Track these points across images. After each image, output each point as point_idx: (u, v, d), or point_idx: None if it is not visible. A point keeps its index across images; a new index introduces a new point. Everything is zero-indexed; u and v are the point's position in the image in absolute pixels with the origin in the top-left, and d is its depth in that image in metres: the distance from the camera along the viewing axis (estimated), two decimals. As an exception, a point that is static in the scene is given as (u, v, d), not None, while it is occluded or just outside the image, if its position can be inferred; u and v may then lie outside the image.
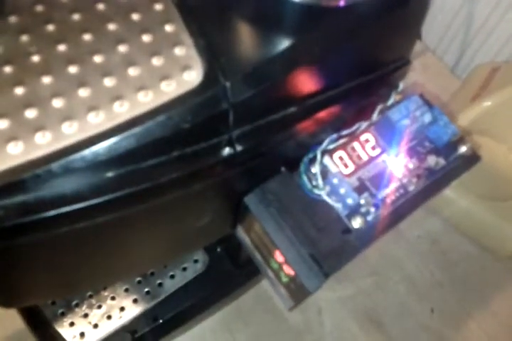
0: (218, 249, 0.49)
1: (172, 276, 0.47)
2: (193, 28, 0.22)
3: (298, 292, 0.28)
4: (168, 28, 0.22)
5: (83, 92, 0.20)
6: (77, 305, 0.46)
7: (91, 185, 0.20)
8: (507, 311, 0.52)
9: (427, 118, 0.28)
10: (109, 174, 0.20)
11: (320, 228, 0.27)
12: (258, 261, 0.31)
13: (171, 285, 0.47)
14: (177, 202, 0.24)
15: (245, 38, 0.22)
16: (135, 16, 0.22)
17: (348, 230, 0.28)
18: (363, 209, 0.28)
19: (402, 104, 0.28)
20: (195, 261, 0.48)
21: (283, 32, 0.22)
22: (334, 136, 0.28)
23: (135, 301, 0.46)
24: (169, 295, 0.47)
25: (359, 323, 0.50)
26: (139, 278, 0.47)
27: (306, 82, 0.24)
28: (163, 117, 0.20)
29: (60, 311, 0.45)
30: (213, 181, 0.24)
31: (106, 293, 0.46)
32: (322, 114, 0.26)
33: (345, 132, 0.29)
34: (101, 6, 0.22)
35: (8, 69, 0.21)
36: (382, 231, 0.28)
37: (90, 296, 0.46)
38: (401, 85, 0.30)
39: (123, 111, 0.20)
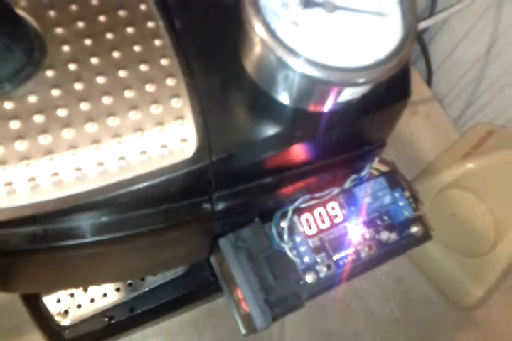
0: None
1: (154, 274, 0.52)
2: (196, 105, 0.26)
3: (250, 325, 0.33)
4: (175, 102, 0.26)
5: (95, 149, 0.25)
6: (65, 285, 0.51)
7: (88, 226, 0.25)
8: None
9: (387, 199, 0.32)
10: (104, 219, 0.25)
11: (278, 277, 0.32)
12: (224, 289, 0.35)
13: (152, 282, 0.52)
14: (158, 242, 0.29)
15: (237, 122, 0.26)
16: (149, 88, 0.26)
17: (301, 282, 0.32)
18: (317, 267, 0.32)
19: (368, 184, 0.32)
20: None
21: (270, 123, 0.26)
22: (307, 196, 0.32)
23: (117, 290, 0.51)
24: (149, 290, 0.52)
25: (315, 342, 0.55)
26: (124, 271, 0.51)
27: (283, 162, 0.28)
28: (156, 181, 0.25)
29: (50, 287, 0.50)
30: (192, 229, 0.29)
31: (93, 279, 0.51)
32: (295, 184, 0.30)
33: (317, 195, 0.33)
34: (123, 74, 0.26)
35: (37, 118, 0.25)
36: (330, 288, 0.32)
37: (79, 279, 0.51)
38: (376, 159, 0.33)
39: (124, 170, 0.25)
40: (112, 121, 0.25)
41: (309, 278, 0.32)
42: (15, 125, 0.25)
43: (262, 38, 0.22)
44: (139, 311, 0.51)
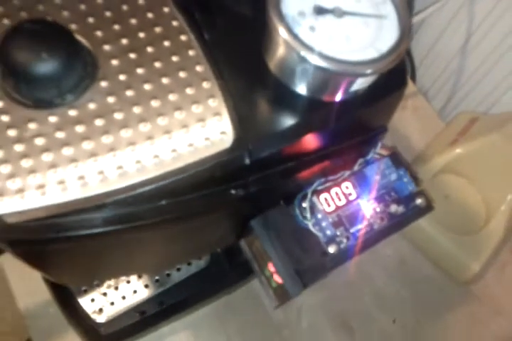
0: (219, 250, 0.58)
1: (178, 269, 0.57)
2: (229, 103, 0.30)
3: (283, 295, 0.37)
4: (212, 101, 0.31)
5: (150, 145, 0.29)
6: (98, 285, 0.55)
7: (147, 210, 0.29)
8: (458, 327, 0.61)
9: (393, 176, 0.37)
10: (162, 202, 0.30)
11: (304, 249, 0.36)
12: (255, 268, 0.40)
13: (177, 276, 0.56)
14: (200, 223, 0.33)
15: (265, 114, 0.31)
16: (189, 91, 0.31)
17: (325, 253, 0.37)
18: (338, 239, 0.37)
19: (376, 164, 0.37)
20: (199, 258, 0.57)
21: (293, 113, 0.31)
22: (322, 179, 0.37)
23: (146, 286, 0.55)
24: (175, 285, 0.56)
25: (330, 324, 0.59)
26: (151, 268, 0.56)
27: (305, 147, 0.33)
28: (202, 168, 0.29)
29: (83, 288, 0.54)
30: (230, 210, 0.33)
31: (123, 278, 0.55)
32: (315, 166, 0.35)
33: (331, 177, 0.38)
34: (165, 80, 0.31)
35: (98, 121, 0.30)
36: (351, 257, 0.37)
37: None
38: (379, 144, 0.39)
39: (176, 160, 0.29)
40: (162, 121, 0.30)
41: (332, 249, 0.36)
42: (80, 129, 0.29)
43: (286, 39, 0.27)
44: (167, 304, 0.55)
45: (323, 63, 0.28)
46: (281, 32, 0.27)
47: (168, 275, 0.56)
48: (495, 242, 0.60)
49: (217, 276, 0.57)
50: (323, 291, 0.61)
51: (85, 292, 0.54)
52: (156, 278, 0.56)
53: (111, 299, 0.54)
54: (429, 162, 0.62)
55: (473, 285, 0.62)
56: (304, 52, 0.27)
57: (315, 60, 0.28)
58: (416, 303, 0.61)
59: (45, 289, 0.55)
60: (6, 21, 0.30)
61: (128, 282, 0.55)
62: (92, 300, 0.54)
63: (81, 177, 0.28)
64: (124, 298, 0.55)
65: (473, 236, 0.60)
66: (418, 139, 0.68)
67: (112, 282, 0.55)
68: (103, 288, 0.55)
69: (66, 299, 0.55)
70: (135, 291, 0.55)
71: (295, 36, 0.27)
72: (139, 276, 0.55)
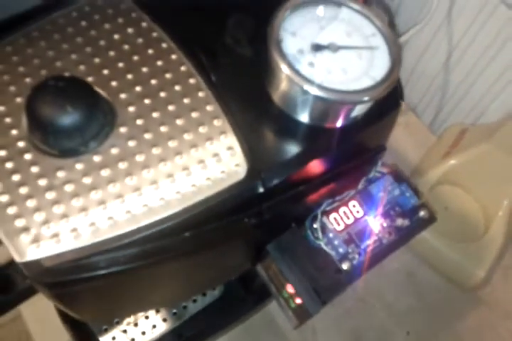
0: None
1: (195, 300, 0.58)
2: (240, 137, 0.33)
3: (302, 314, 0.39)
4: (223, 137, 0.33)
5: (170, 182, 0.32)
6: (117, 323, 0.56)
7: (172, 243, 0.32)
8: (469, 333, 0.62)
9: (396, 192, 0.39)
10: (186, 234, 0.32)
11: (319, 268, 0.38)
12: (272, 290, 0.41)
13: (193, 308, 0.58)
14: (219, 251, 0.35)
15: (274, 144, 0.33)
16: (202, 129, 0.33)
17: (339, 271, 0.39)
18: (350, 256, 0.39)
19: (380, 182, 0.39)
20: (213, 289, 0.59)
21: (299, 141, 0.33)
22: (330, 200, 0.40)
23: (164, 320, 0.57)
24: (192, 316, 0.57)
25: (346, 341, 0.61)
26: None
27: (313, 171, 0.35)
28: (221, 199, 0.32)
29: (104, 327, 0.56)
30: (246, 237, 0.36)
31: (141, 314, 0.57)
32: (323, 188, 0.37)
33: (338, 198, 0.40)
34: (180, 121, 0.33)
35: (121, 164, 0.32)
36: (363, 272, 0.39)
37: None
38: (380, 163, 0.41)
39: (196, 194, 0.32)
40: (180, 159, 0.32)
41: (345, 266, 0.38)
42: (105, 173, 0.31)
43: (288, 75, 0.30)
44: (186, 336, 0.57)
45: (323, 94, 0.30)
46: (284, 69, 0.30)
47: (185, 307, 0.57)
48: (497, 247, 0.62)
49: (232, 304, 0.59)
50: (335, 309, 0.63)
51: (106, 331, 0.56)
52: (174, 311, 0.57)
53: (131, 335, 0.55)
54: (425, 175, 0.64)
55: (481, 291, 0.64)
56: (306, 86, 0.30)
57: (316, 92, 0.30)
58: (427, 313, 0.63)
59: (64, 332, 0.56)
60: (28, 80, 0.32)
61: (146, 317, 0.56)
62: (113, 338, 0.55)
63: (110, 218, 0.31)
64: (143, 333, 0.56)
65: (475, 243, 0.62)
66: (412, 154, 0.71)
67: (131, 319, 0.56)
68: (123, 326, 0.56)
69: (87, 339, 0.56)
70: (154, 326, 0.56)
71: (296, 72, 0.30)
72: (157, 311, 0.57)
